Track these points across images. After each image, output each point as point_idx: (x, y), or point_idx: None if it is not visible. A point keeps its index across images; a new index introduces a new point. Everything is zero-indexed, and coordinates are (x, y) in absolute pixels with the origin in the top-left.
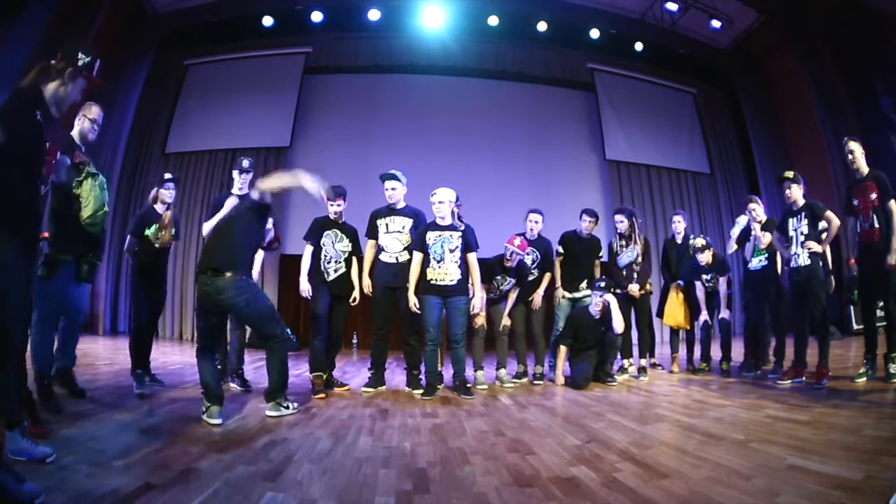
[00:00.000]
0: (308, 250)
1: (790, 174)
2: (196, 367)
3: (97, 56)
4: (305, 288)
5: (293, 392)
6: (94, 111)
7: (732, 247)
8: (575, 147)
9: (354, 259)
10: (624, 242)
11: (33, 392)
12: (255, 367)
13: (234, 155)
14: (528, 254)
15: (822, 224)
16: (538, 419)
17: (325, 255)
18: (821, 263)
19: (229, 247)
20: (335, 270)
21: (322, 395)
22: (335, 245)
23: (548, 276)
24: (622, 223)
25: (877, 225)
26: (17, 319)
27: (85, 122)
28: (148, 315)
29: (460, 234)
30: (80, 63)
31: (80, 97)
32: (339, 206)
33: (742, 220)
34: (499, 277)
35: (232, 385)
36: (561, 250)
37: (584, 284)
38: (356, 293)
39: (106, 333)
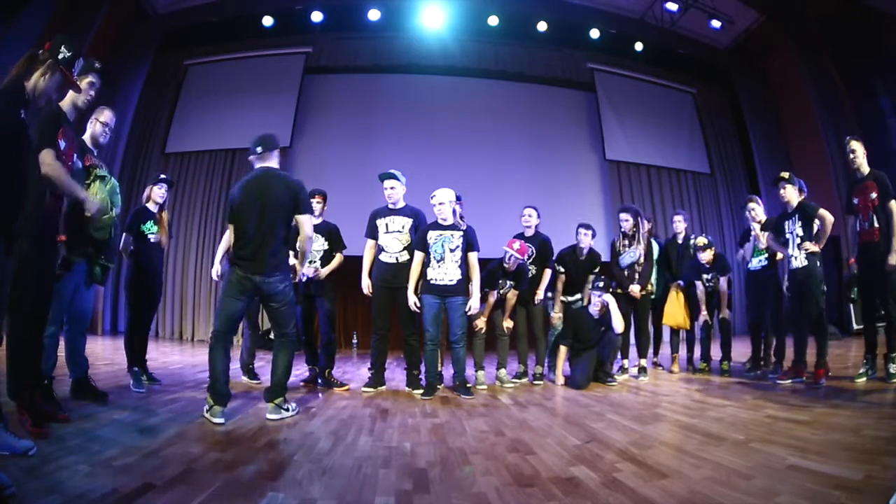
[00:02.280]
0: (290, 254)
1: (785, 175)
2: (196, 367)
3: (79, 53)
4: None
5: (290, 392)
6: (105, 115)
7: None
8: (575, 147)
9: (338, 255)
10: (627, 242)
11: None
12: (258, 365)
13: (235, 155)
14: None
15: (818, 224)
16: (538, 419)
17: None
18: (818, 263)
19: None
20: (314, 268)
21: (310, 384)
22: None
23: (547, 272)
24: (627, 221)
25: (877, 224)
26: None
27: (97, 126)
28: (143, 313)
29: (462, 233)
30: (60, 56)
31: (57, 93)
32: (316, 202)
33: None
34: (501, 281)
35: (243, 379)
36: (561, 269)
37: (577, 294)
38: (320, 268)
39: (106, 333)
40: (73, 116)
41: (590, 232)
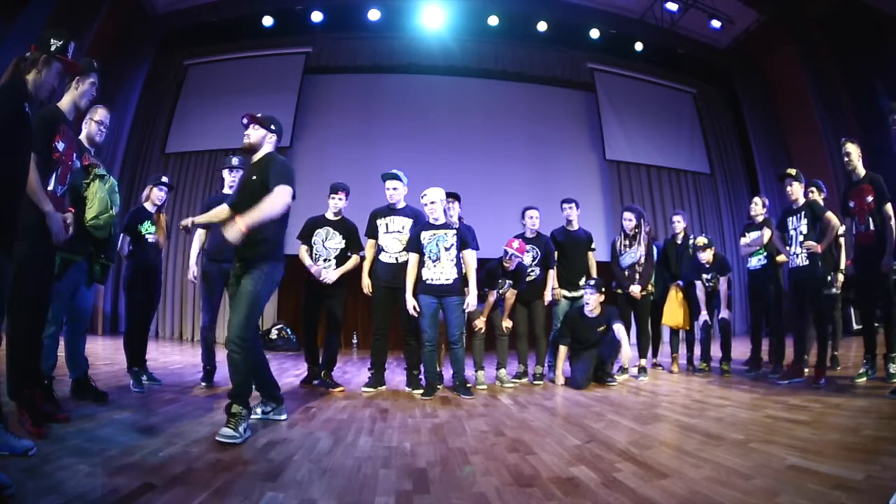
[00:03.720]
0: (302, 249)
1: (792, 171)
2: (196, 367)
3: (70, 39)
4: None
5: (289, 393)
6: (100, 113)
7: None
8: (575, 147)
9: (354, 255)
10: (628, 242)
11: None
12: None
13: (235, 155)
14: (528, 251)
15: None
16: (538, 419)
17: (316, 254)
18: (820, 263)
19: None
20: (324, 269)
21: (307, 384)
22: (325, 243)
23: (552, 273)
24: (630, 221)
25: (872, 227)
26: None
27: (92, 125)
28: (142, 313)
29: (455, 231)
30: (52, 48)
31: (58, 80)
32: (339, 199)
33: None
34: (500, 281)
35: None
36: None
37: (582, 282)
38: (337, 269)
39: (106, 333)
40: (73, 115)
41: (573, 204)
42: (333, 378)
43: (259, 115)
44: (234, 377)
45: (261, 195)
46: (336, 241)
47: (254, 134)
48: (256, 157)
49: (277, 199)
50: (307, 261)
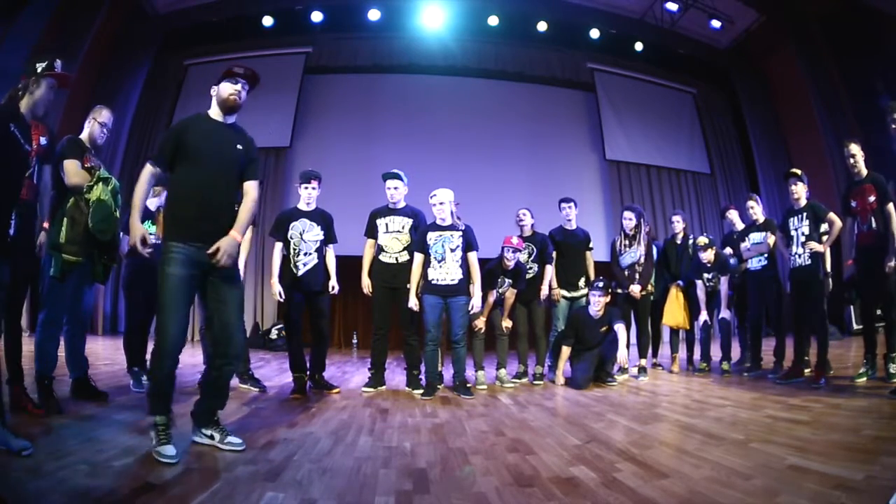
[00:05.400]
0: (277, 247)
1: (797, 171)
2: (195, 368)
3: (55, 56)
4: (277, 290)
5: (278, 393)
6: (104, 115)
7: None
8: (575, 147)
9: (330, 248)
10: (628, 242)
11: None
12: (258, 365)
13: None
14: (524, 248)
15: (825, 226)
16: (538, 419)
17: (294, 248)
18: (820, 264)
19: None
20: (304, 264)
21: (297, 396)
22: (304, 235)
23: (549, 268)
24: (630, 220)
25: (874, 227)
26: None
27: (95, 126)
28: (142, 313)
29: (461, 233)
30: (38, 70)
31: (53, 94)
32: (313, 188)
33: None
34: (499, 280)
35: (242, 387)
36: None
37: (581, 282)
38: (333, 282)
39: (106, 333)
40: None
41: (571, 203)
42: (326, 380)
43: (255, 74)
44: (224, 388)
45: (242, 171)
46: (315, 233)
47: (245, 96)
48: (232, 119)
49: (256, 201)
50: (277, 260)
